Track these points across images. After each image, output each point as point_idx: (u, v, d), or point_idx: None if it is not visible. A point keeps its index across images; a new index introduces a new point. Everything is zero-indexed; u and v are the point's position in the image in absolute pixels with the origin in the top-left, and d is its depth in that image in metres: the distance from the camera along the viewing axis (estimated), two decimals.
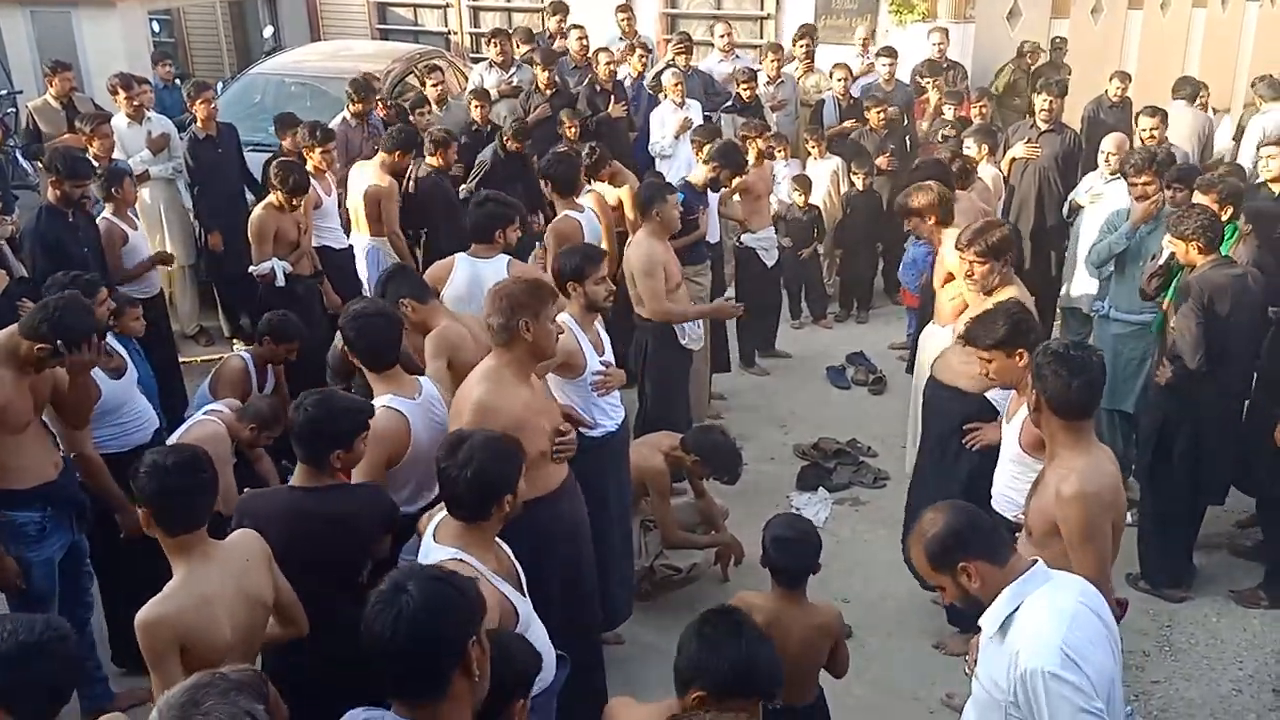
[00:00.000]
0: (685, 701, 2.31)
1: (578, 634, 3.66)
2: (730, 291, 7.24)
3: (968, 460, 4.19)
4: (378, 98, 7.87)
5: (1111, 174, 6.54)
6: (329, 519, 3.14)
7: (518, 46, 9.50)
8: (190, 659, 2.64)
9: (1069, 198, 6.94)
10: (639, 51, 9.06)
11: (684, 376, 5.71)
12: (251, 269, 5.99)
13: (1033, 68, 9.61)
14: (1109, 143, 6.64)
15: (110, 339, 4.41)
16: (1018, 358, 3.57)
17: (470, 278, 4.76)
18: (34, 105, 8.06)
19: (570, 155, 6.15)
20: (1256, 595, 4.88)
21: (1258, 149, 8.09)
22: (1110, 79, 9.00)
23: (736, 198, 7.01)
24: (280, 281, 5.93)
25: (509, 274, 4.74)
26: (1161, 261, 5.02)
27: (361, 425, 3.28)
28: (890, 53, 8.94)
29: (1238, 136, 9.21)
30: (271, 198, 5.98)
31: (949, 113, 8.14)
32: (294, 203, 5.96)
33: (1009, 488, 3.72)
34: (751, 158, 7.01)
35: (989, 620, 2.47)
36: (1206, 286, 4.60)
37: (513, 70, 9.15)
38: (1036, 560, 2.52)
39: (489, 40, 9.47)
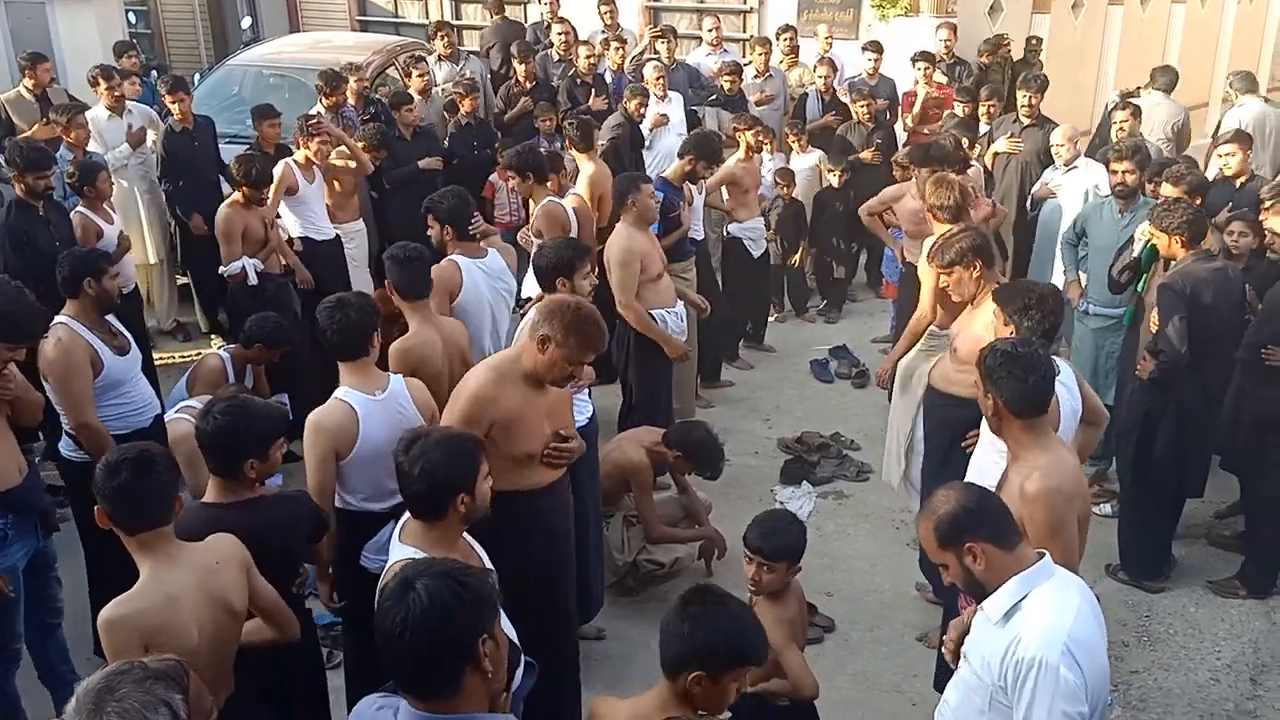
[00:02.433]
0: (683, 683, 2.30)
1: (551, 639, 3.64)
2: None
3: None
4: (351, 87, 7.78)
5: (1066, 166, 6.58)
6: (247, 534, 2.94)
7: (492, 17, 9.66)
8: None
9: (1030, 192, 6.97)
10: (614, 45, 9.00)
11: (667, 371, 5.69)
12: (222, 269, 5.88)
13: (1008, 62, 9.63)
14: (1059, 134, 6.68)
15: (112, 319, 4.39)
16: (1012, 330, 3.70)
17: (480, 278, 4.65)
18: (6, 97, 7.93)
19: (534, 145, 6.19)
20: (1234, 585, 4.91)
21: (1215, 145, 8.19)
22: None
23: (724, 190, 7.00)
24: (253, 280, 5.83)
25: (505, 262, 4.77)
26: (1137, 253, 5.03)
27: (276, 432, 3.17)
28: (876, 47, 8.92)
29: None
30: (235, 194, 5.89)
31: (959, 110, 8.10)
32: (259, 196, 5.87)
33: (983, 467, 3.70)
34: (741, 150, 7.00)
35: (993, 606, 2.47)
36: (1189, 280, 4.62)
37: (462, 63, 9.12)
38: (1044, 554, 2.53)
39: (434, 34, 9.37)
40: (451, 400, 3.52)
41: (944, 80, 8.76)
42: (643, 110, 7.75)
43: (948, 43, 9.17)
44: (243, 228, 5.83)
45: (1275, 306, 4.68)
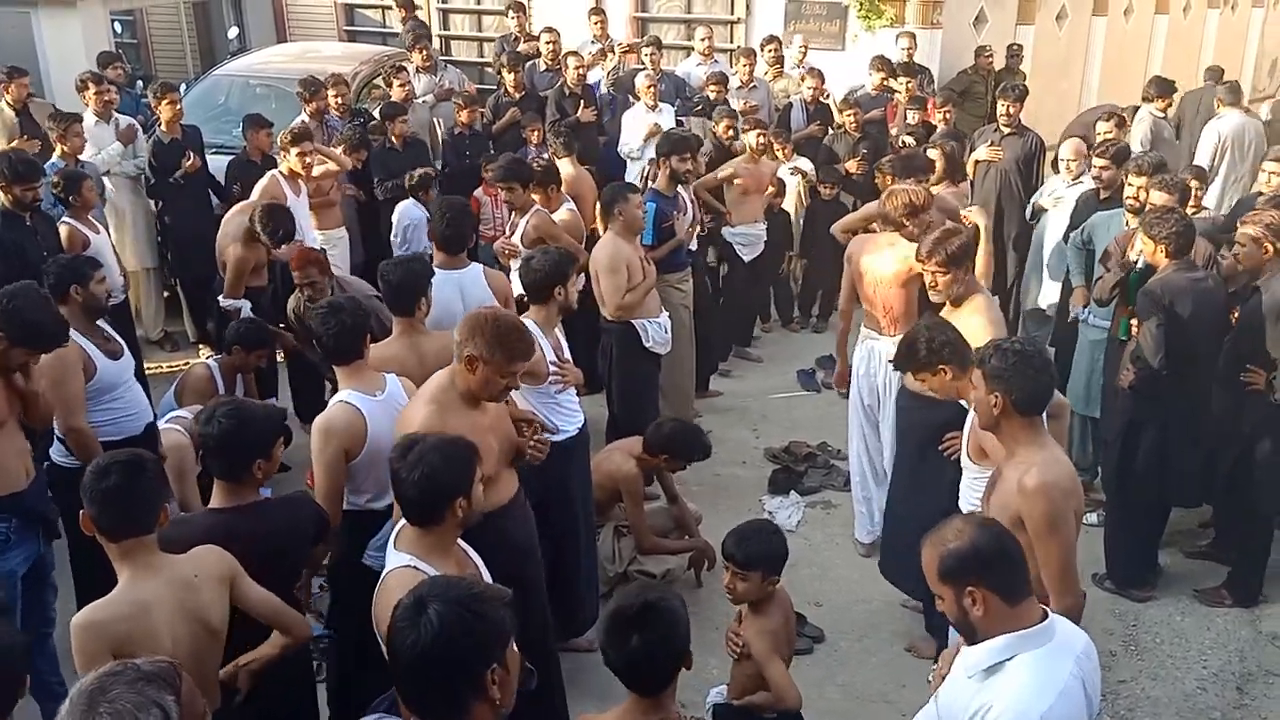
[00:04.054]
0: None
1: (531, 654, 3.63)
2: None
3: (949, 468, 4.11)
4: (331, 101, 7.77)
5: (1074, 179, 6.63)
6: (255, 538, 2.98)
7: (403, 18, 9.98)
8: None
9: (1032, 201, 7.01)
10: (609, 56, 9.04)
11: (652, 380, 5.70)
12: (224, 301, 5.84)
13: (991, 73, 9.72)
14: (1068, 149, 6.72)
15: (105, 324, 4.41)
16: (944, 373, 3.74)
17: (453, 294, 4.61)
18: None
19: (518, 156, 6.13)
20: (1220, 594, 4.94)
21: (1214, 152, 8.24)
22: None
23: (738, 182, 6.95)
24: None
25: (486, 282, 4.73)
26: (1141, 265, 4.97)
27: (278, 430, 3.21)
28: (884, 64, 8.92)
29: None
30: (240, 215, 5.83)
31: (912, 117, 8.20)
32: (275, 247, 5.75)
33: (966, 490, 3.75)
34: (746, 153, 7.00)
35: (974, 658, 2.34)
36: (1169, 290, 4.66)
37: (441, 74, 9.13)
38: (1049, 615, 2.37)
39: (411, 46, 9.39)
40: (397, 436, 3.45)
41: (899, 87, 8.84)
42: (730, 132, 7.57)
43: (908, 50, 9.26)
44: (253, 263, 5.82)
45: (1249, 324, 4.71)
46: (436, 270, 4.63)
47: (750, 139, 7.01)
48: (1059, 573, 2.95)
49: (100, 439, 4.04)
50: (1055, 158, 7.14)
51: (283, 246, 6.27)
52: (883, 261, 4.90)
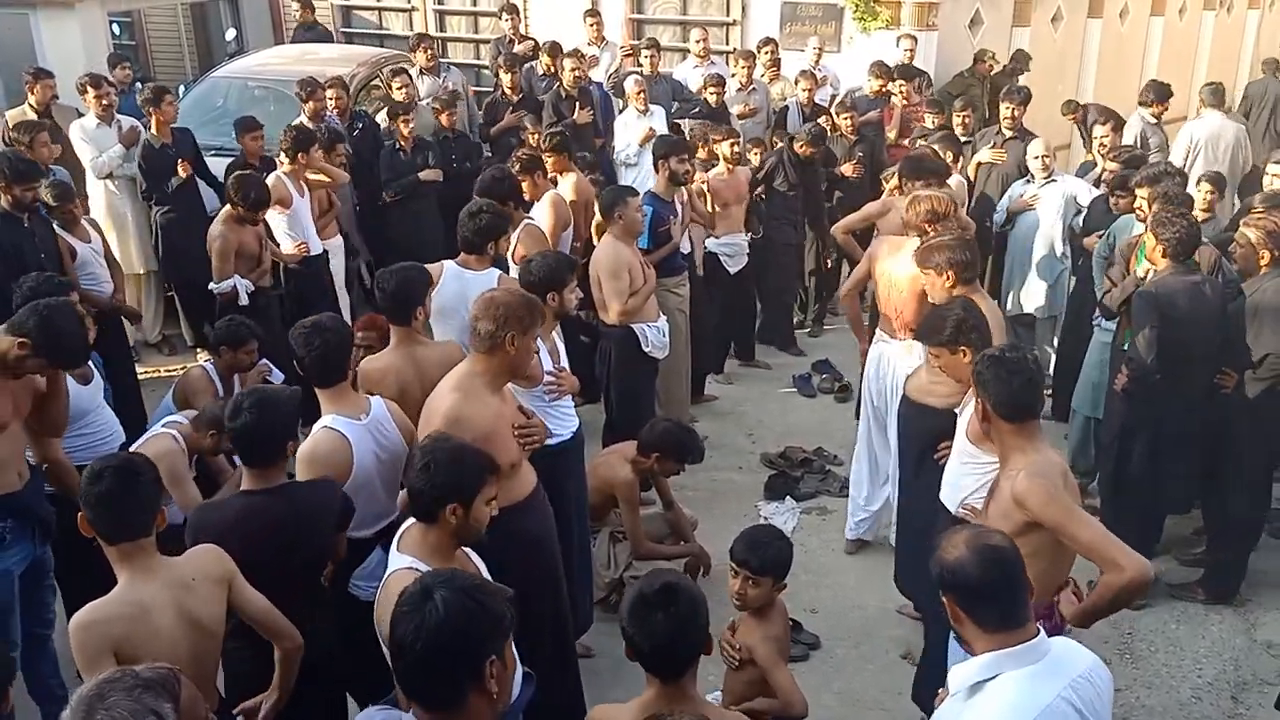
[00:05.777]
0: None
1: (546, 648, 3.64)
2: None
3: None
4: (330, 100, 7.77)
5: (1046, 178, 6.63)
6: (285, 521, 3.07)
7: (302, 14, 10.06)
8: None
9: (1001, 206, 6.99)
10: (571, 60, 8.69)
11: (649, 384, 5.71)
12: (212, 286, 5.85)
13: (989, 76, 9.72)
14: (1038, 147, 6.73)
15: None
16: (962, 355, 3.70)
17: (459, 290, 4.59)
18: (11, 115, 7.82)
19: (505, 172, 5.99)
20: (1194, 589, 4.98)
21: (1186, 153, 8.24)
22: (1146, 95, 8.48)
23: (715, 194, 6.92)
24: (244, 300, 5.80)
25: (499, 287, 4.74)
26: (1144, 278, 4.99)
27: (299, 409, 3.32)
28: (883, 69, 8.92)
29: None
30: (228, 209, 5.87)
31: (930, 121, 8.15)
32: (255, 218, 5.84)
33: (957, 476, 3.73)
34: (720, 164, 6.98)
35: (958, 675, 2.31)
36: (1164, 291, 4.67)
37: (443, 75, 9.11)
38: (1039, 634, 2.28)
39: (414, 47, 9.37)
40: (423, 425, 3.48)
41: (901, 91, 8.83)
42: (811, 150, 7.50)
43: (910, 52, 9.26)
44: (236, 244, 5.81)
45: (1235, 327, 4.72)
46: (451, 265, 4.71)
47: (724, 149, 6.88)
48: (1099, 546, 2.90)
49: (77, 463, 3.93)
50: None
51: (285, 247, 6.31)
52: (899, 266, 4.88)
